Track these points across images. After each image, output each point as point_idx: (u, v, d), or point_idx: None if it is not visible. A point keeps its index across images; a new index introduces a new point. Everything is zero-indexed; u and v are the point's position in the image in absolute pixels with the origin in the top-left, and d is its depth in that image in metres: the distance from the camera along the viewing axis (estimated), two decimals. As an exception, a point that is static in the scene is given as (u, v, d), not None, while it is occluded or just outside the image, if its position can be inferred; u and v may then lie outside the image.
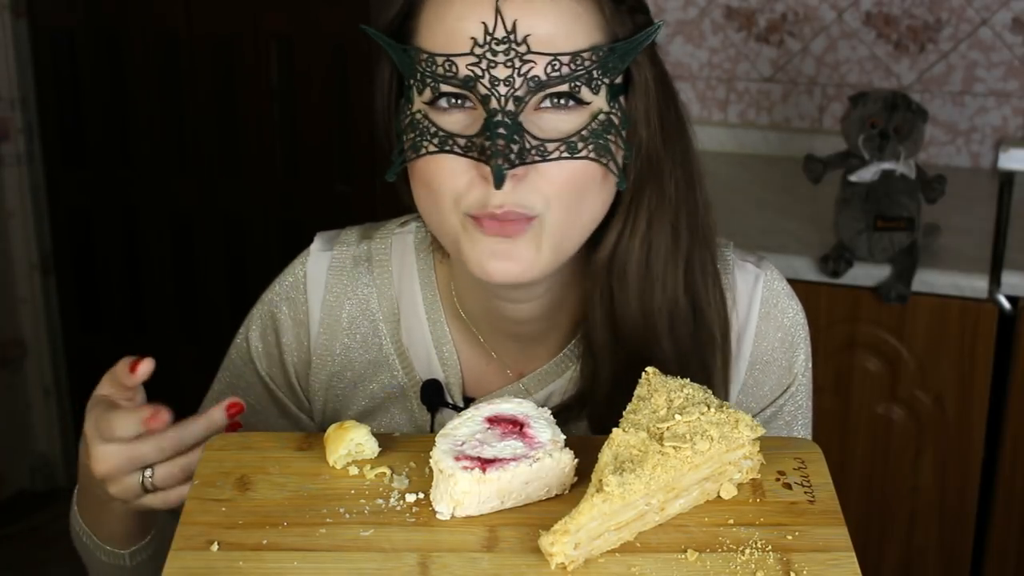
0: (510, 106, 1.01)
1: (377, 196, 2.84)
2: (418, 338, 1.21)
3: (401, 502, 0.92)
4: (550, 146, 1.02)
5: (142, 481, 1.05)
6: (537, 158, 1.02)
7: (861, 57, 2.63)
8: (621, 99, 1.06)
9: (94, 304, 3.27)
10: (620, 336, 1.12)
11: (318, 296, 1.23)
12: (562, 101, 1.03)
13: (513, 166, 1.00)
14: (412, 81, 1.04)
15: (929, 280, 2.13)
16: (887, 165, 2.12)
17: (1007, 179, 2.55)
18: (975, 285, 2.12)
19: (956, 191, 2.30)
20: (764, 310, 1.20)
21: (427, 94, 1.03)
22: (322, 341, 1.23)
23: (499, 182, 0.99)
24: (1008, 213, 2.38)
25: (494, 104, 1.01)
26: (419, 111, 1.04)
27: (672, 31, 2.71)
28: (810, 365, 1.24)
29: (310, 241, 1.27)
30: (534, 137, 1.02)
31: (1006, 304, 2.12)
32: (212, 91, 3.04)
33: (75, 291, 3.26)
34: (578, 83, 1.02)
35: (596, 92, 1.03)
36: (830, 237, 2.20)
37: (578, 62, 1.02)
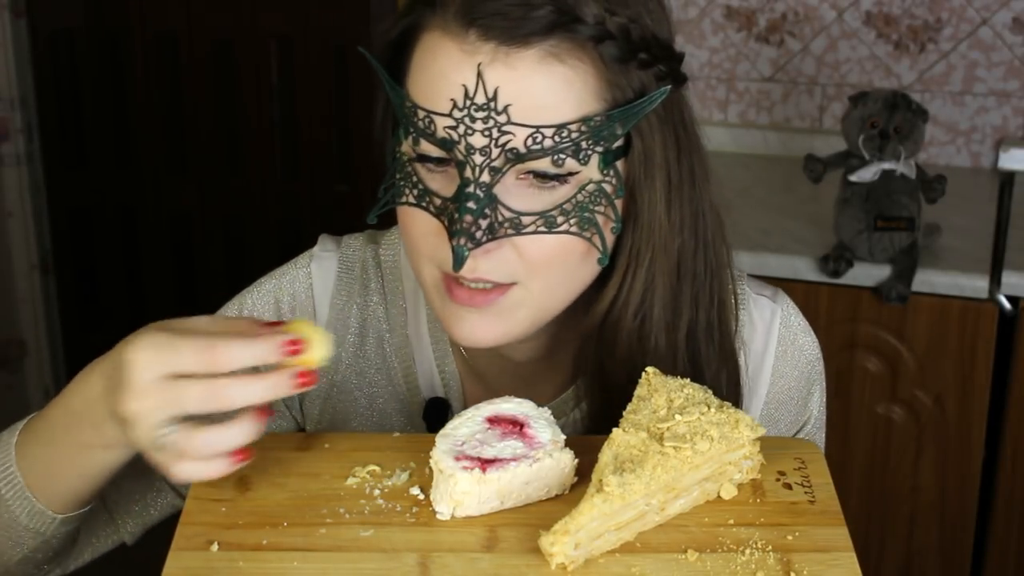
0: (484, 177, 0.94)
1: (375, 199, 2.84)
2: (421, 355, 1.17)
3: (401, 502, 0.92)
4: (526, 219, 0.95)
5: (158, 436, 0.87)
6: (510, 232, 0.95)
7: (861, 57, 2.63)
8: (618, 164, 0.97)
9: (94, 304, 3.28)
10: (613, 400, 1.04)
11: (326, 298, 1.18)
12: (546, 182, 0.95)
13: (479, 244, 0.94)
14: (400, 123, 0.99)
15: (929, 280, 2.13)
16: (887, 165, 2.12)
17: (1007, 179, 2.55)
18: (975, 285, 2.12)
19: (956, 191, 2.30)
20: (781, 349, 1.16)
21: (412, 143, 0.97)
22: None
23: (458, 264, 0.94)
24: (1008, 213, 2.38)
25: (468, 173, 0.94)
26: (405, 154, 0.99)
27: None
28: (824, 400, 1.20)
29: (310, 241, 1.23)
30: (509, 209, 0.95)
31: (1006, 304, 2.12)
32: (212, 91, 3.04)
33: (75, 291, 3.26)
34: (562, 155, 0.94)
35: (585, 162, 0.95)
36: (830, 237, 2.20)
37: (563, 134, 0.93)
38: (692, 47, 2.71)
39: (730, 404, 0.94)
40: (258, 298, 1.20)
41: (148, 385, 0.86)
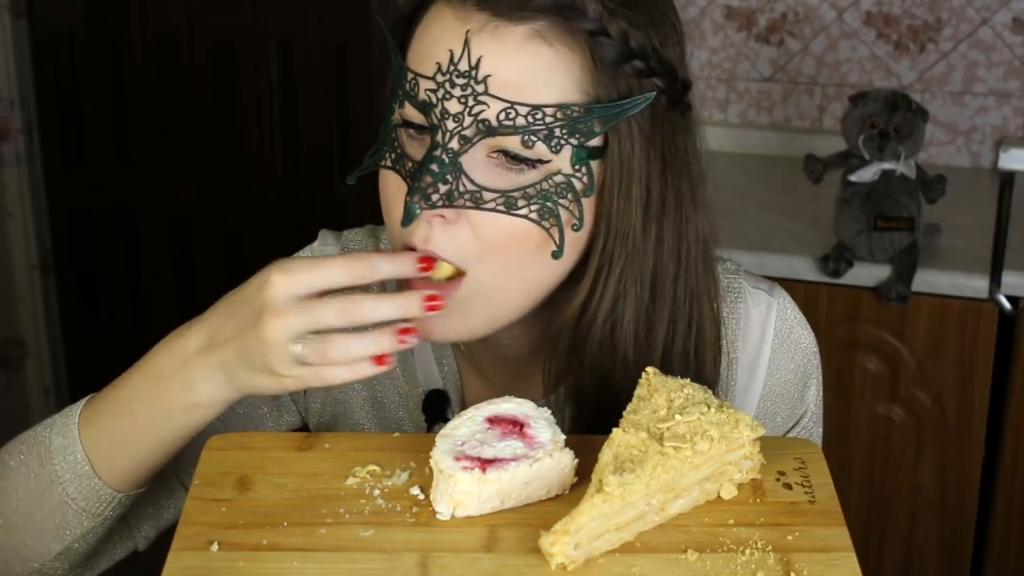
0: (453, 143, 0.95)
1: (377, 196, 2.84)
2: (420, 348, 1.18)
3: (401, 502, 0.92)
4: (487, 195, 0.95)
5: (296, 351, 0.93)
6: (468, 204, 0.95)
7: (861, 57, 2.63)
8: (593, 164, 0.97)
9: (94, 304, 3.28)
10: (582, 410, 1.05)
11: None
12: (515, 164, 0.95)
13: (433, 206, 0.95)
14: (394, 89, 1.01)
15: (929, 280, 2.13)
16: (887, 165, 2.12)
17: (1007, 179, 2.55)
18: (975, 285, 2.12)
19: (956, 191, 2.30)
20: (777, 341, 1.16)
21: (399, 107, 0.99)
22: None
23: (407, 219, 0.94)
24: (1008, 213, 2.38)
25: (438, 137, 0.95)
26: (395, 121, 1.01)
27: (672, 31, 2.71)
28: (821, 393, 1.21)
29: (310, 241, 1.23)
30: (472, 182, 0.95)
31: (1006, 304, 2.12)
32: (212, 91, 3.04)
33: (75, 291, 3.26)
34: (533, 137, 0.94)
35: (556, 151, 0.95)
36: (830, 237, 2.20)
37: (537, 116, 0.94)
38: (692, 47, 2.71)
39: (730, 404, 0.94)
40: None
41: (287, 304, 0.92)
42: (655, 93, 0.98)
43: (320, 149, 3.02)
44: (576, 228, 0.98)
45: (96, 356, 3.25)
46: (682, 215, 1.03)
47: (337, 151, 3.01)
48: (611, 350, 1.03)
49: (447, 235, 0.97)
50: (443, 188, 0.95)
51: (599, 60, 0.96)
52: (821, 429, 1.22)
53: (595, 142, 0.97)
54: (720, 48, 2.71)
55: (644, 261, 1.01)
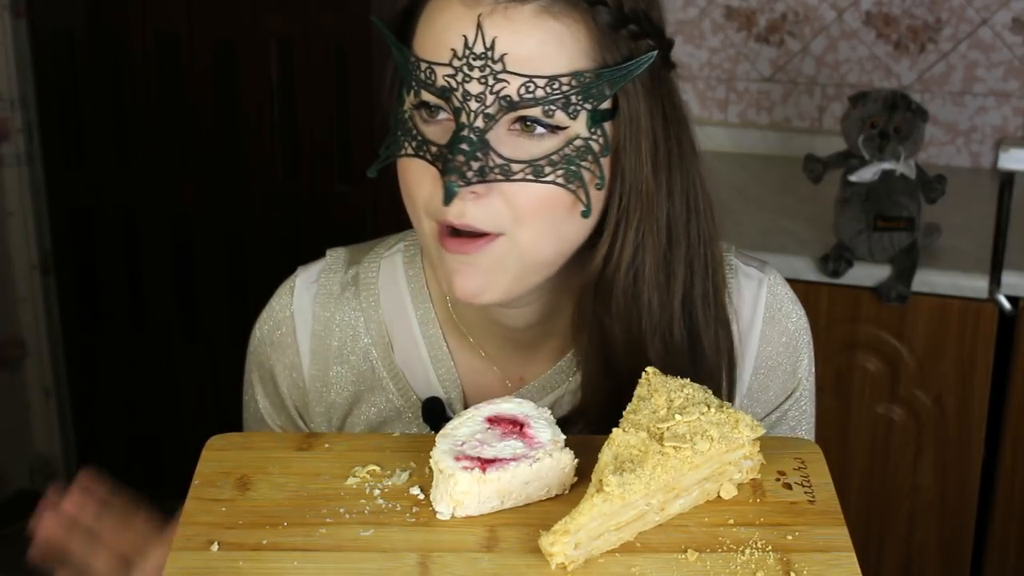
0: (479, 122, 1.00)
1: (377, 196, 2.84)
2: (413, 358, 1.20)
3: (401, 502, 0.92)
4: (515, 167, 1.01)
5: None
6: (499, 177, 1.00)
7: (861, 57, 2.63)
8: (606, 125, 1.03)
9: (94, 304, 3.27)
10: (611, 361, 1.09)
11: (307, 330, 1.21)
12: (537, 129, 1.01)
13: (468, 183, 0.99)
14: (404, 81, 1.05)
15: (929, 280, 2.13)
16: (887, 165, 2.12)
17: (1007, 179, 2.55)
18: (975, 285, 2.12)
19: (956, 191, 2.30)
20: (768, 315, 1.19)
21: (413, 97, 1.03)
22: (314, 373, 1.21)
23: (447, 199, 0.99)
24: (1008, 213, 2.38)
25: (463, 118, 1.00)
26: (407, 111, 1.04)
27: (672, 31, 2.71)
28: (813, 369, 1.23)
29: (310, 241, 1.25)
30: (500, 156, 1.00)
31: (1006, 304, 2.12)
32: (212, 91, 3.04)
33: (75, 291, 3.26)
34: (552, 107, 1.00)
35: (574, 117, 1.01)
36: (830, 237, 2.20)
37: (555, 86, 1.00)
38: (692, 47, 2.71)
39: (730, 404, 0.95)
40: (255, 382, 1.25)
41: None
42: (655, 53, 1.03)
43: (320, 149, 3.01)
44: (599, 187, 1.04)
45: (96, 356, 3.24)
46: (685, 163, 1.08)
47: (337, 151, 3.01)
48: (635, 297, 1.08)
49: (480, 209, 1.02)
50: (475, 165, 1.00)
51: (600, 27, 1.01)
52: (814, 408, 1.24)
53: (606, 105, 1.02)
54: (720, 48, 2.71)
55: (658, 211, 1.07)
